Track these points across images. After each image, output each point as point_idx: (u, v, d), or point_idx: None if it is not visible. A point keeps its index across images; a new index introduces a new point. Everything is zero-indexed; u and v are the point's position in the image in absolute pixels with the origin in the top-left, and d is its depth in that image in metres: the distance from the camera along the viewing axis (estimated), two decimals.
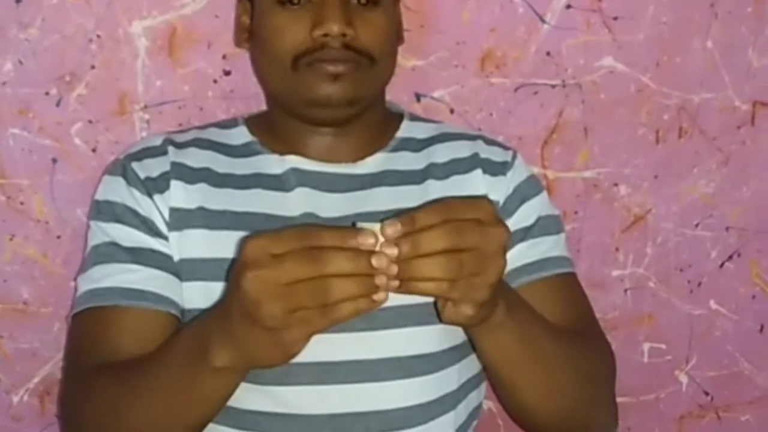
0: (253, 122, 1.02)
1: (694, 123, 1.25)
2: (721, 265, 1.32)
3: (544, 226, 1.00)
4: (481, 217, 0.70)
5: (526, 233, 0.99)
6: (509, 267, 0.95)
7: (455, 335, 0.92)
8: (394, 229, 0.68)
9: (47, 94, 1.08)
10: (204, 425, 0.84)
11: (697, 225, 1.29)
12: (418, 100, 1.17)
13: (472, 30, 1.16)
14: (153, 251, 0.91)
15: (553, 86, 1.20)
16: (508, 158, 1.02)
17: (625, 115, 1.23)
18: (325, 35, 0.89)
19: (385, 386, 0.90)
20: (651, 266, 1.29)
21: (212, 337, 0.75)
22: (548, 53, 1.18)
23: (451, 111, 1.18)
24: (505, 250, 0.72)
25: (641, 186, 1.26)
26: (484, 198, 0.75)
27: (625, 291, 1.30)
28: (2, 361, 1.15)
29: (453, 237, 0.68)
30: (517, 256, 0.97)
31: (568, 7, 1.17)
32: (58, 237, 1.12)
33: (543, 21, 1.17)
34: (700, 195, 1.28)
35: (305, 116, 0.96)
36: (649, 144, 1.25)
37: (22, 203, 1.10)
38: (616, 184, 1.26)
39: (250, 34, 0.98)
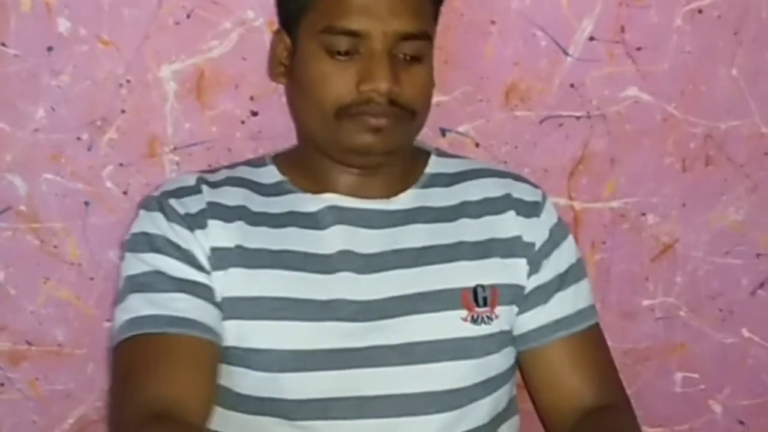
0: (281, 161, 1.03)
1: (721, 151, 1.24)
2: (753, 293, 1.31)
3: (575, 273, 1.02)
4: None
5: (561, 282, 1.00)
6: (549, 318, 0.98)
7: (488, 369, 0.94)
8: None
9: (79, 139, 1.10)
10: None
11: (727, 253, 1.28)
12: (444, 135, 1.18)
13: (496, 64, 1.16)
14: (195, 283, 0.91)
15: (578, 118, 1.20)
16: (539, 198, 1.03)
17: (652, 145, 1.22)
18: (372, 90, 0.90)
19: (421, 420, 0.91)
20: (681, 295, 1.28)
21: None
22: (572, 85, 1.18)
23: (477, 145, 1.19)
24: None
25: (669, 215, 1.25)
26: None
27: (656, 320, 1.29)
28: (37, 402, 1.16)
29: None
30: (556, 307, 0.99)
31: (591, 39, 1.17)
32: (91, 279, 1.13)
33: (566, 53, 1.17)
34: (729, 222, 1.27)
35: (340, 160, 0.97)
36: (676, 173, 1.24)
37: (55, 246, 1.12)
38: (643, 214, 1.25)
39: (287, 69, 0.98)
